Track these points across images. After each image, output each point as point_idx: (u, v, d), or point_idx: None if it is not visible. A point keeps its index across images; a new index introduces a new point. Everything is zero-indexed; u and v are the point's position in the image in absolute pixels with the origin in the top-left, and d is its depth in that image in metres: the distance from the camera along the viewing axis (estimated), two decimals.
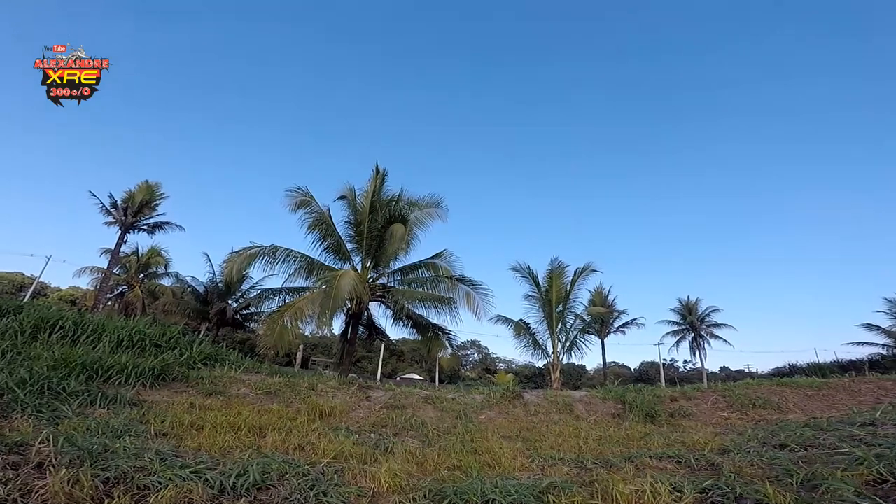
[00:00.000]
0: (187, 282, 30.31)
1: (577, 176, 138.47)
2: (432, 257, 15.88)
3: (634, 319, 37.83)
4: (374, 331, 16.59)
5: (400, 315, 15.33)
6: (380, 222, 14.68)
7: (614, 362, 66.54)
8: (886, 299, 25.74)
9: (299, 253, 14.15)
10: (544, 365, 21.28)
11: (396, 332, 21.16)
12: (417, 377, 44.89)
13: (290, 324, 11.81)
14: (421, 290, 14.68)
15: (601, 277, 50.30)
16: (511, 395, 10.05)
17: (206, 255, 29.25)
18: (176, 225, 31.15)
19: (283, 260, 13.79)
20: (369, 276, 15.08)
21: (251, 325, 30.17)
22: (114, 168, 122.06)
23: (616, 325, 37.77)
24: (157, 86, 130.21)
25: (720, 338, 40.16)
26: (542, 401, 10.28)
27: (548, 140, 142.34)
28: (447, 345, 16.32)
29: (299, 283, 14.43)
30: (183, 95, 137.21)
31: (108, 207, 29.02)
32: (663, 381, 39.44)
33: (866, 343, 26.84)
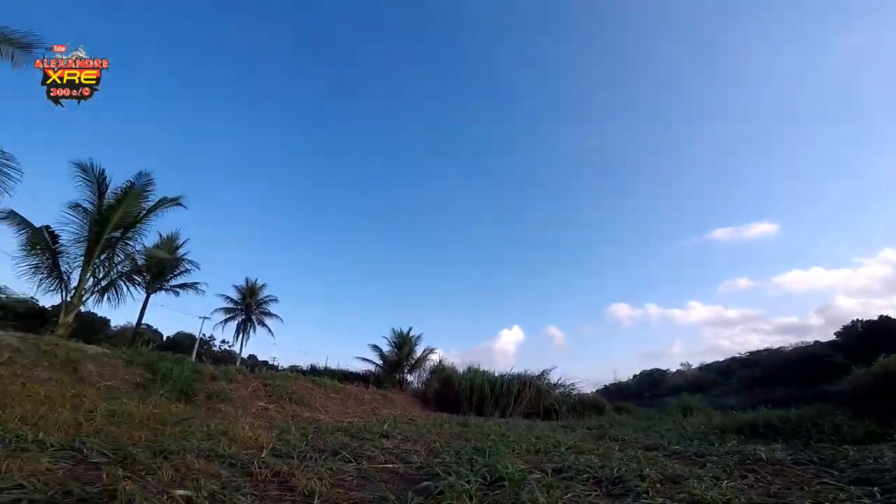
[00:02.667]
0: None
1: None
2: None
3: (196, 283, 33.31)
4: None
5: None
6: None
7: (147, 325, 57.87)
8: (393, 329, 34.32)
9: None
10: (53, 307, 15.45)
11: None
12: None
13: None
14: None
15: (181, 219, 43.54)
16: None
17: None
18: None
19: None
20: None
21: None
22: None
23: (174, 282, 32.27)
24: None
25: (267, 326, 42.09)
26: (27, 348, 6.63)
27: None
28: None
29: None
30: None
31: None
32: (194, 356, 36.73)
33: (368, 360, 34.57)
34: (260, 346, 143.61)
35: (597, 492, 3.79)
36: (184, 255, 29.96)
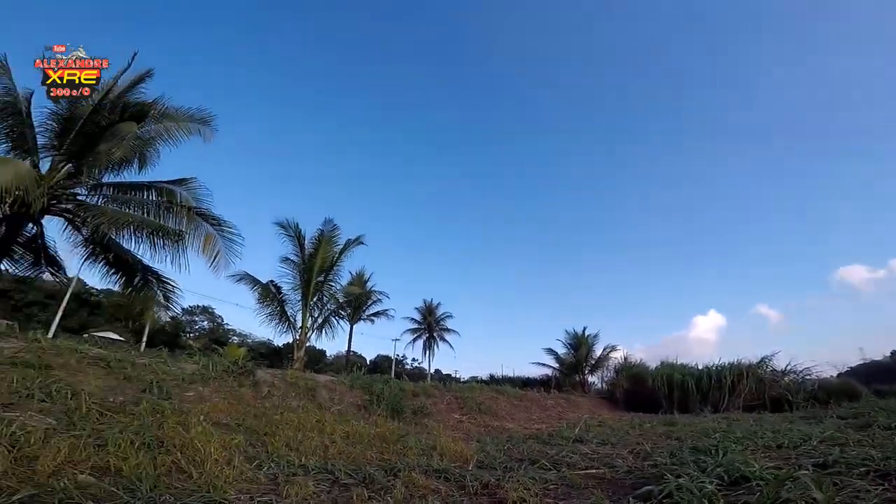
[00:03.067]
0: None
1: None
2: (172, 181, 11.51)
3: (387, 310, 37.29)
4: (45, 258, 10.97)
5: (97, 246, 10.54)
6: (106, 121, 10.00)
7: (354, 351, 67.87)
8: (566, 331, 33.44)
9: None
10: (285, 345, 18.93)
11: (91, 275, 15.03)
12: (116, 337, 34.89)
13: None
14: (138, 214, 10.32)
15: (363, 256, 50.42)
16: (239, 371, 7.74)
17: None
18: None
19: None
20: (57, 179, 9.91)
21: None
22: None
23: (368, 311, 37.60)
24: None
25: (447, 342, 45.54)
26: (279, 381, 8.37)
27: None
28: (163, 298, 12.03)
29: None
30: None
31: None
32: (393, 374, 41.75)
33: (544, 364, 34.24)
34: (443, 360, 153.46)
35: (884, 485, 3.04)
36: (371, 287, 34.88)
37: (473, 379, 41.44)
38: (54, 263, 11.16)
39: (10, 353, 5.22)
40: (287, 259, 17.83)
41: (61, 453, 3.04)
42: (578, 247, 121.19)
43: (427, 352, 45.53)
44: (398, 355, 61.25)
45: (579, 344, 32.16)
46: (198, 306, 57.00)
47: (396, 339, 52.63)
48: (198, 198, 11.39)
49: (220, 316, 61.69)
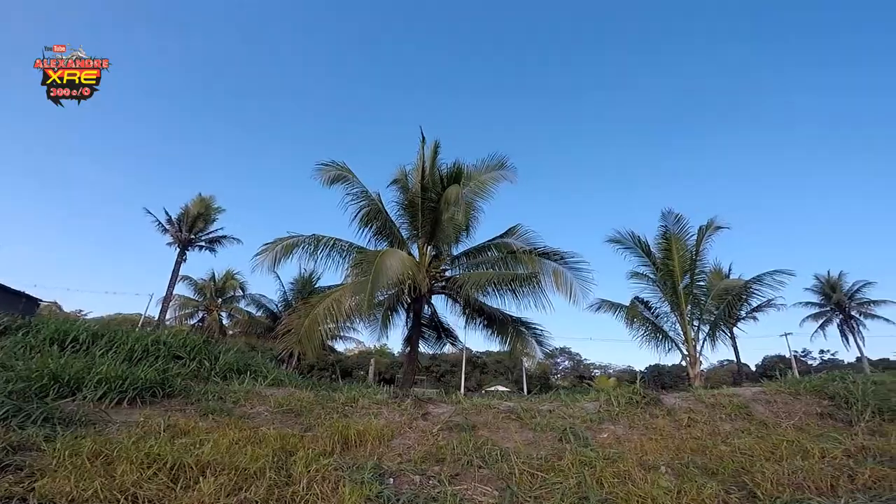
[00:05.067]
0: (260, 301, 29.87)
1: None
2: (502, 235, 12.90)
3: (771, 300, 25.01)
4: (442, 331, 13.79)
5: (471, 310, 12.44)
6: (434, 199, 11.98)
7: (727, 360, 57.08)
8: None
9: (346, 242, 11.90)
10: (674, 364, 16.41)
11: (475, 340, 17.98)
12: (504, 389, 41.28)
13: (326, 317, 9.44)
14: (491, 270, 11.63)
15: (725, 240, 42.24)
16: (644, 400, 6.67)
17: (277, 274, 28.39)
18: (233, 238, 31.07)
19: (328, 251, 11.60)
20: (429, 262, 12.45)
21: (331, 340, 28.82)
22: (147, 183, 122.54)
23: (747, 307, 25.13)
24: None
25: (880, 317, 31.73)
26: (693, 404, 6.81)
27: None
28: (534, 344, 12.87)
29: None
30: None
31: (165, 224, 29.24)
32: (796, 373, 31.53)
33: None
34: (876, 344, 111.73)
35: None
36: (739, 274, 26.74)
37: None
38: (451, 335, 13.79)
39: (445, 418, 5.82)
40: (635, 273, 15.92)
41: None
42: None
43: (851, 336, 32.84)
44: (796, 352, 47.79)
45: None
46: (557, 348, 61.62)
47: (788, 334, 40.93)
48: (529, 241, 12.01)
49: (577, 353, 64.77)
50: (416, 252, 12.65)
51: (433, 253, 12.57)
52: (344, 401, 6.83)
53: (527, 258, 10.99)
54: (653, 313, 15.15)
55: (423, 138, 12.33)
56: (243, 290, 34.51)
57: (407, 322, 12.60)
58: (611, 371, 60.85)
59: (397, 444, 5.42)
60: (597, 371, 61.73)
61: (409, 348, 12.26)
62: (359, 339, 30.68)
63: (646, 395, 6.66)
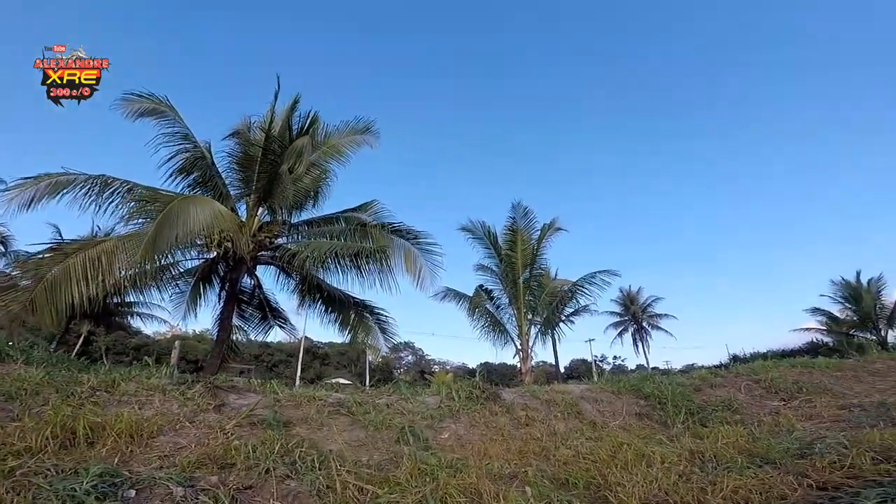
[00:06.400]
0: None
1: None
2: (354, 209, 11.47)
3: (587, 305, 31.25)
4: (270, 310, 11.75)
5: (308, 287, 10.77)
6: (277, 153, 10.02)
7: (543, 361, 64.37)
8: (833, 281, 25.38)
9: (148, 188, 9.10)
10: (482, 364, 16.89)
11: (316, 328, 16.16)
12: (345, 381, 39.40)
13: (87, 275, 6.88)
14: (336, 241, 10.03)
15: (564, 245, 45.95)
16: (484, 395, 6.14)
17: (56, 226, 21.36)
18: None
19: (120, 197, 8.72)
20: (258, 226, 10.35)
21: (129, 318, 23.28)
22: None
23: (567, 311, 31.60)
24: None
25: (663, 329, 39.02)
26: (529, 400, 6.56)
27: None
28: (378, 333, 11.70)
29: None
30: None
31: None
32: (595, 377, 37.11)
33: (809, 329, 26.51)
34: (665, 353, 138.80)
35: None
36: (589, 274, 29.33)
37: (689, 366, 34.62)
38: (279, 316, 11.83)
39: (246, 410, 4.29)
40: (481, 265, 15.96)
41: None
42: None
43: (641, 345, 39.56)
44: (596, 356, 56.38)
45: (857, 295, 24.69)
46: (402, 342, 61.79)
47: (592, 340, 47.96)
48: (384, 219, 10.83)
49: (420, 348, 66.16)
50: (243, 211, 10.49)
51: (266, 216, 10.57)
52: (95, 384, 4.75)
53: (378, 233, 9.85)
54: (494, 304, 15.36)
55: (278, 88, 10.04)
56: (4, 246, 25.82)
57: (222, 296, 10.34)
58: (448, 367, 63.61)
59: (164, 442, 3.85)
60: (436, 367, 63.95)
61: (219, 326, 9.99)
62: (172, 320, 25.51)
63: (485, 389, 6.27)
